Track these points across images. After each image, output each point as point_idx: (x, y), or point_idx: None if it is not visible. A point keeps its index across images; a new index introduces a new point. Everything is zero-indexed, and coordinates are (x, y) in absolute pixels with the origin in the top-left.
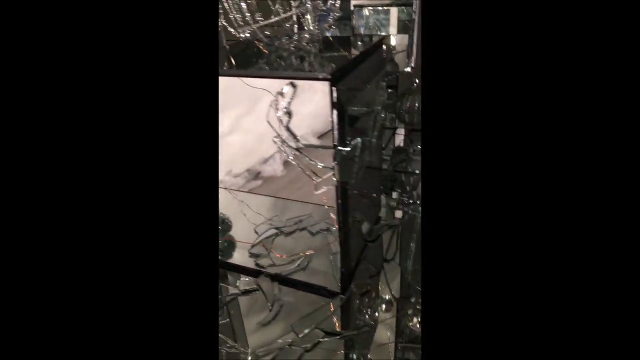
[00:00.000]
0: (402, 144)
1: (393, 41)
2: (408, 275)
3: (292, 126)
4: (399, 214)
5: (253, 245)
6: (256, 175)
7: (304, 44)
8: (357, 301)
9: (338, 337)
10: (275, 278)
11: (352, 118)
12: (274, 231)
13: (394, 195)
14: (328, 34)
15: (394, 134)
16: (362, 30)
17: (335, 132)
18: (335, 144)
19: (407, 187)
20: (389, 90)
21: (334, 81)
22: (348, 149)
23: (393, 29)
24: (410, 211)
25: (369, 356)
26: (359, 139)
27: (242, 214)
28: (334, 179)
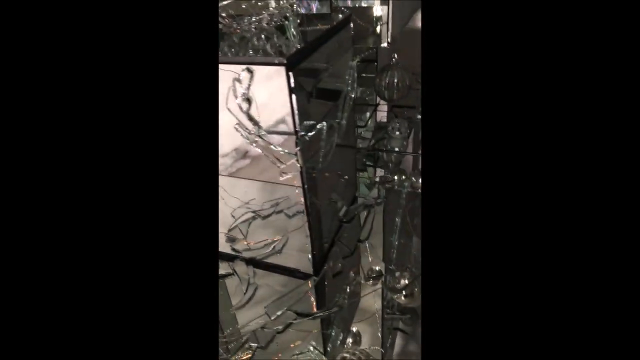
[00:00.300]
0: (384, 120)
1: (378, 12)
2: (393, 250)
3: (268, 111)
4: (380, 192)
5: (229, 230)
6: (244, 154)
7: (265, 24)
8: (332, 281)
9: (310, 317)
10: (250, 262)
11: (317, 100)
12: (250, 215)
13: (378, 172)
14: (314, 6)
15: (375, 110)
16: (348, 2)
17: (296, 118)
18: (297, 129)
19: (390, 165)
20: (375, 63)
21: (290, 66)
22: (311, 133)
23: None
24: (395, 187)
25: (354, 329)
26: (324, 123)
27: (220, 198)
28: (298, 164)
